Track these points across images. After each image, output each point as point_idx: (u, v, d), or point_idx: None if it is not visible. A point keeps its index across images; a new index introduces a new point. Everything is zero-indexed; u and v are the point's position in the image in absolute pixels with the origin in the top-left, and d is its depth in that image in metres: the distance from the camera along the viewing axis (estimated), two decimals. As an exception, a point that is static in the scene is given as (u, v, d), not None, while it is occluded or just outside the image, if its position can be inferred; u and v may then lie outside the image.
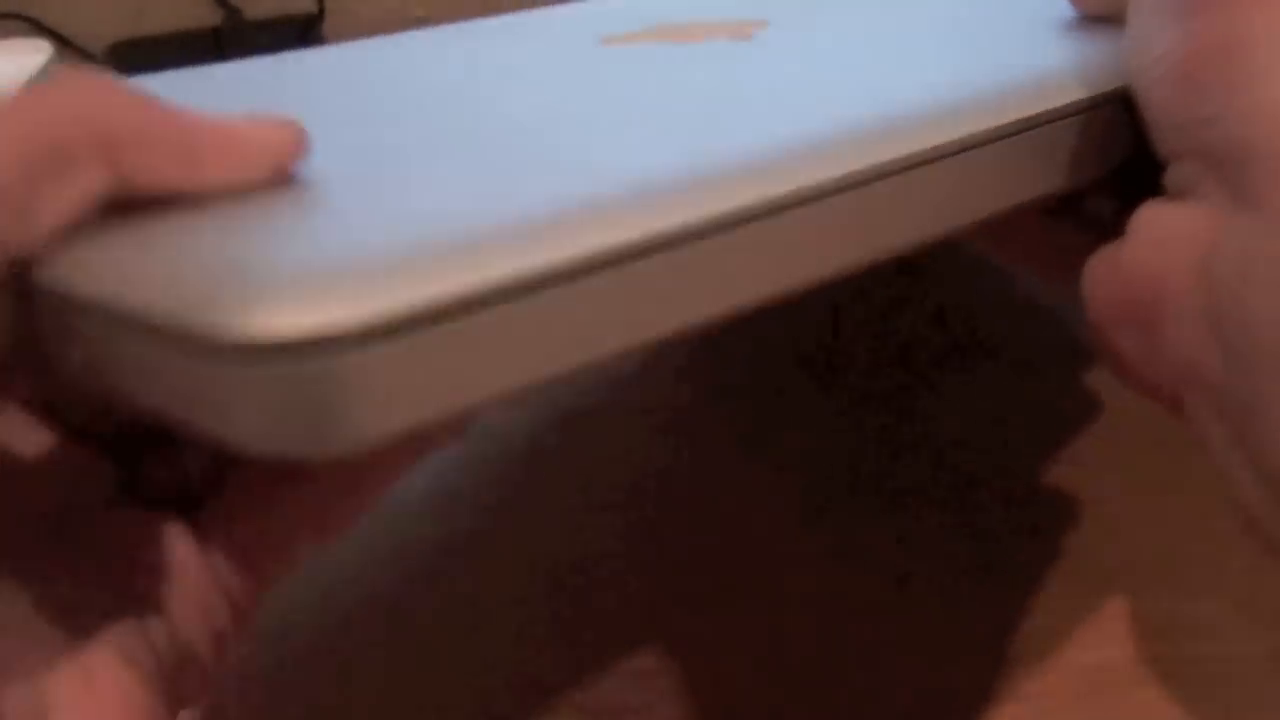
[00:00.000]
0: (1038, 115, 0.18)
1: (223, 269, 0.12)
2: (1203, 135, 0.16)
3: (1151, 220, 0.17)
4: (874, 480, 0.29)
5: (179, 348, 0.12)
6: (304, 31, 0.48)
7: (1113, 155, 0.19)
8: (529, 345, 0.13)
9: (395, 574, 0.28)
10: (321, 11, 0.49)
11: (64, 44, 0.50)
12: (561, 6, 0.27)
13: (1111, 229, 0.18)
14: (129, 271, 0.13)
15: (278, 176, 0.15)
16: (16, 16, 0.50)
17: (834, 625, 0.26)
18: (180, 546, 0.18)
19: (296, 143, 0.15)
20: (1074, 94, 0.18)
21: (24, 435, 0.17)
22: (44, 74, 0.48)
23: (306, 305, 0.11)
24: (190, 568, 0.17)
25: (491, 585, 0.28)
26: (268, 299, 0.11)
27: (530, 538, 0.29)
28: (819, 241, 0.15)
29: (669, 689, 0.25)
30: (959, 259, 0.35)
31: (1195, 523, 0.28)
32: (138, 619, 0.17)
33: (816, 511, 0.29)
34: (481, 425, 0.32)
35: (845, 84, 0.18)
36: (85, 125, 0.14)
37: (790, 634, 0.26)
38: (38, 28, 0.50)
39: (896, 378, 0.32)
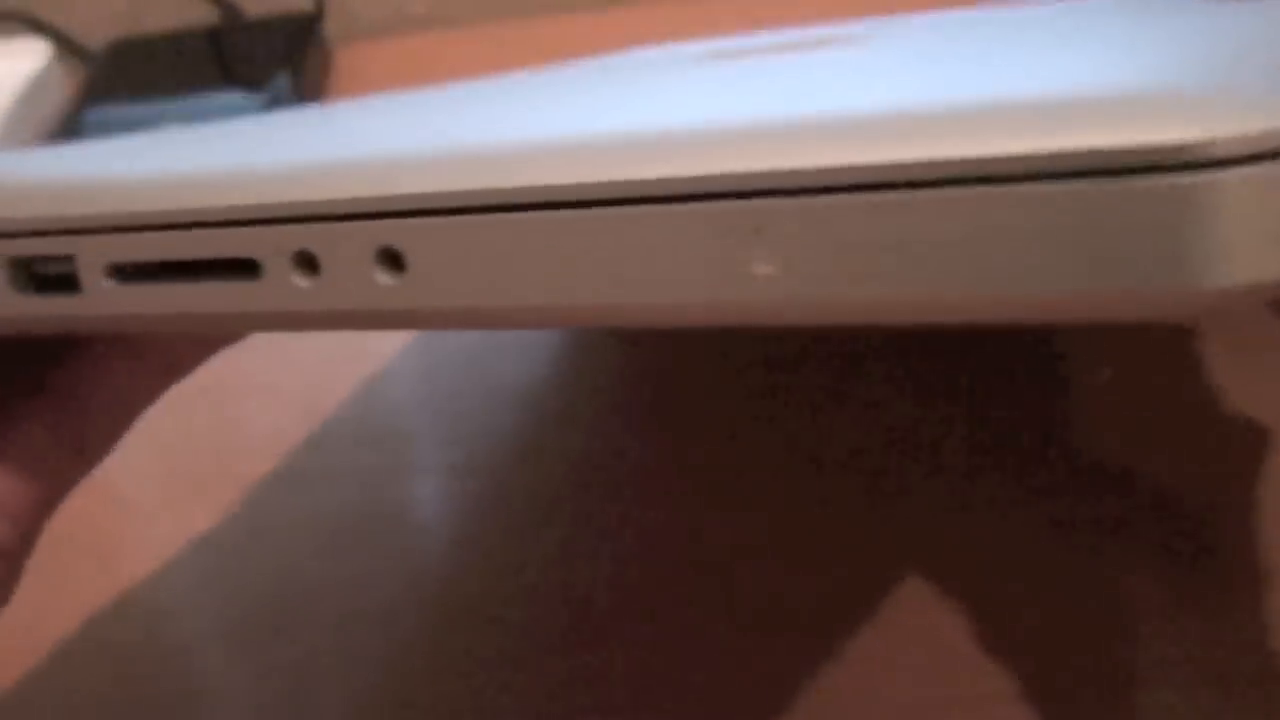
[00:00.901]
0: None
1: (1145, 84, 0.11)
2: None
3: None
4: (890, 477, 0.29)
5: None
6: (303, 31, 0.48)
7: None
8: None
9: (389, 578, 0.28)
10: (321, 11, 0.49)
11: (62, 43, 0.50)
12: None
13: None
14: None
15: None
16: (15, 16, 0.50)
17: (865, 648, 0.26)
18: None
19: None
20: None
21: None
22: (44, 74, 0.48)
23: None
24: None
25: (484, 590, 0.28)
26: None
27: (524, 541, 0.29)
28: None
29: (670, 691, 0.25)
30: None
31: None
32: None
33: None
34: (471, 428, 0.32)
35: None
36: None
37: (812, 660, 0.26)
38: (36, 27, 0.50)
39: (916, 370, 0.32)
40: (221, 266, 0.14)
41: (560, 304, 0.13)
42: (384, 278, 0.13)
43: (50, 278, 0.16)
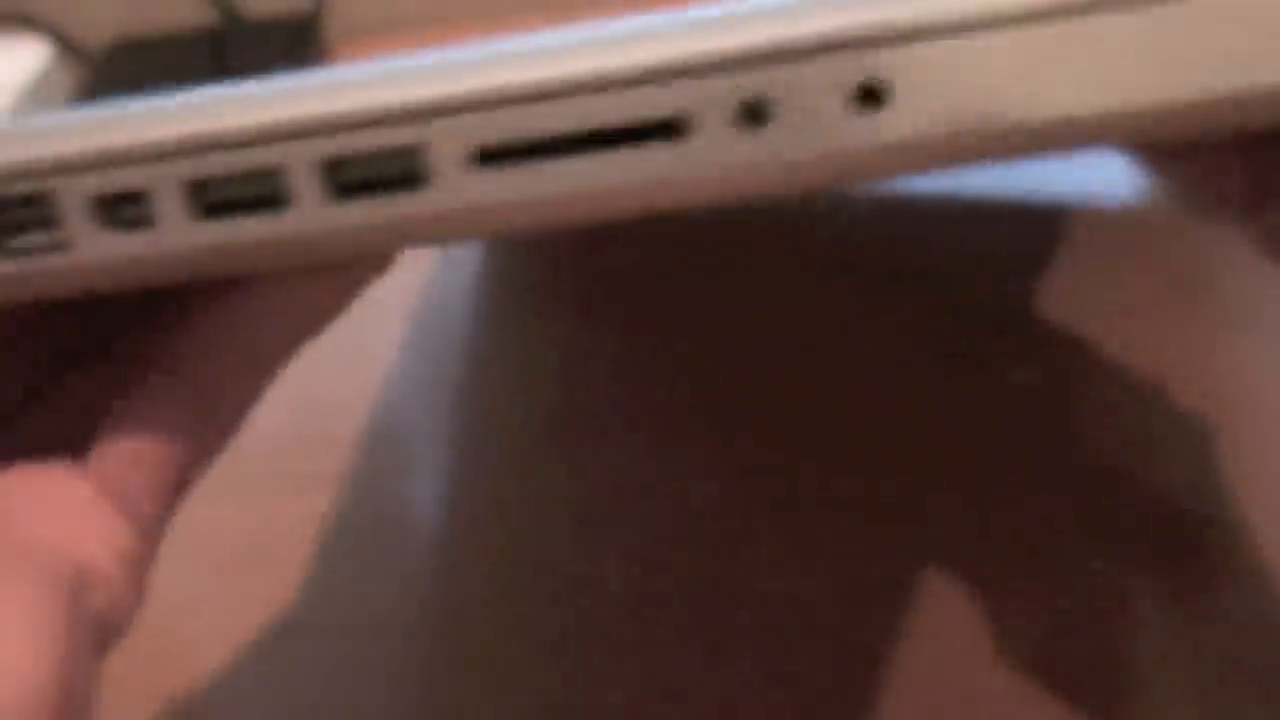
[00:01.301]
0: None
1: None
2: None
3: None
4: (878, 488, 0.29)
5: None
6: (303, 31, 0.48)
7: None
8: None
9: (391, 581, 0.28)
10: (321, 11, 0.49)
11: (62, 43, 0.50)
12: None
13: None
14: None
15: None
16: (15, 16, 0.50)
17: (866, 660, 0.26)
18: (67, 483, 0.17)
19: None
20: None
21: None
22: (44, 75, 0.48)
23: None
24: (80, 499, 0.17)
25: (487, 591, 0.28)
26: None
27: (528, 542, 0.29)
28: None
29: (674, 691, 0.25)
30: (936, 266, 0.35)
31: None
32: (37, 558, 0.16)
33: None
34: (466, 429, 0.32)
35: None
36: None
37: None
38: (36, 27, 0.50)
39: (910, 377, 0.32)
40: (628, 132, 0.13)
41: (1107, 109, 0.12)
42: (855, 119, 0.12)
43: (376, 179, 0.14)
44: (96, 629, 0.16)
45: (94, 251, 0.14)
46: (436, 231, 0.14)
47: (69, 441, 0.17)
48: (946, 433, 0.30)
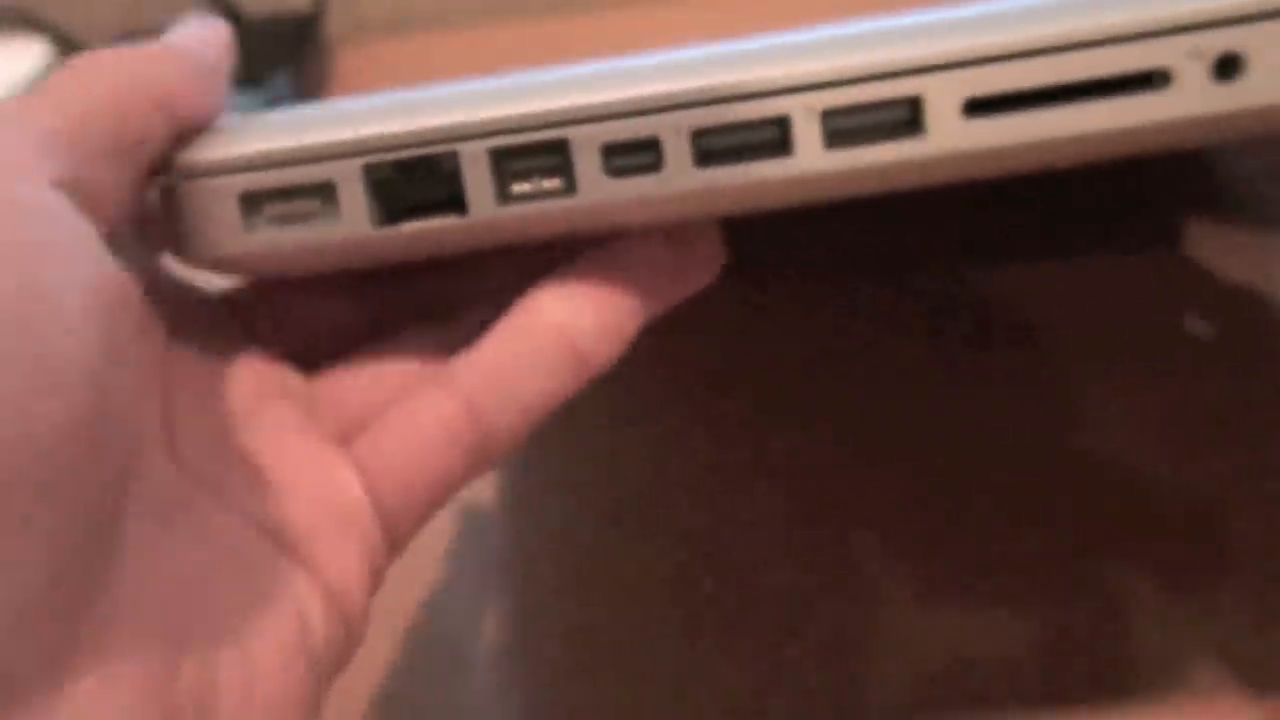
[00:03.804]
0: None
1: None
2: None
3: None
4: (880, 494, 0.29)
5: None
6: (303, 31, 0.48)
7: None
8: None
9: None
10: (321, 11, 0.49)
11: (62, 43, 0.50)
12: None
13: None
14: None
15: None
16: (15, 16, 0.50)
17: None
18: (345, 481, 0.17)
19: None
20: None
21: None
22: (44, 72, 0.48)
23: None
24: (352, 499, 0.17)
25: (481, 587, 0.28)
26: None
27: (524, 536, 0.29)
28: None
29: (671, 690, 0.25)
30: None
31: None
32: (296, 584, 0.16)
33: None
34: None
35: None
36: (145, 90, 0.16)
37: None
38: (36, 27, 0.50)
39: (926, 367, 0.32)
40: (1103, 85, 0.15)
41: None
42: None
43: (871, 128, 0.15)
44: (333, 664, 0.16)
45: (598, 195, 0.16)
46: (926, 175, 0.16)
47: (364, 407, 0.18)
48: (948, 435, 0.30)
